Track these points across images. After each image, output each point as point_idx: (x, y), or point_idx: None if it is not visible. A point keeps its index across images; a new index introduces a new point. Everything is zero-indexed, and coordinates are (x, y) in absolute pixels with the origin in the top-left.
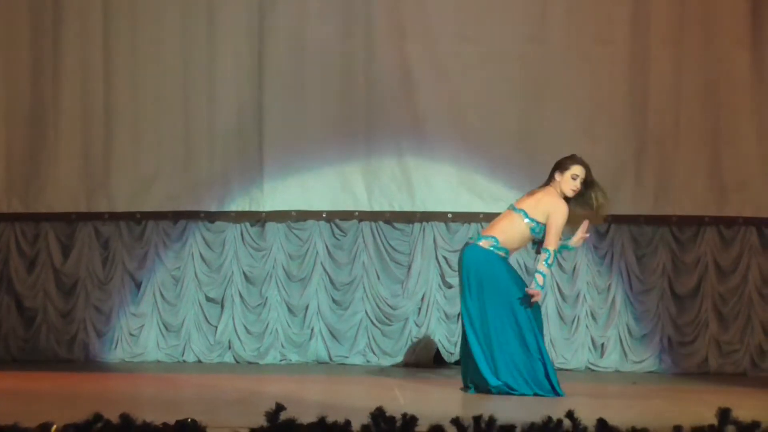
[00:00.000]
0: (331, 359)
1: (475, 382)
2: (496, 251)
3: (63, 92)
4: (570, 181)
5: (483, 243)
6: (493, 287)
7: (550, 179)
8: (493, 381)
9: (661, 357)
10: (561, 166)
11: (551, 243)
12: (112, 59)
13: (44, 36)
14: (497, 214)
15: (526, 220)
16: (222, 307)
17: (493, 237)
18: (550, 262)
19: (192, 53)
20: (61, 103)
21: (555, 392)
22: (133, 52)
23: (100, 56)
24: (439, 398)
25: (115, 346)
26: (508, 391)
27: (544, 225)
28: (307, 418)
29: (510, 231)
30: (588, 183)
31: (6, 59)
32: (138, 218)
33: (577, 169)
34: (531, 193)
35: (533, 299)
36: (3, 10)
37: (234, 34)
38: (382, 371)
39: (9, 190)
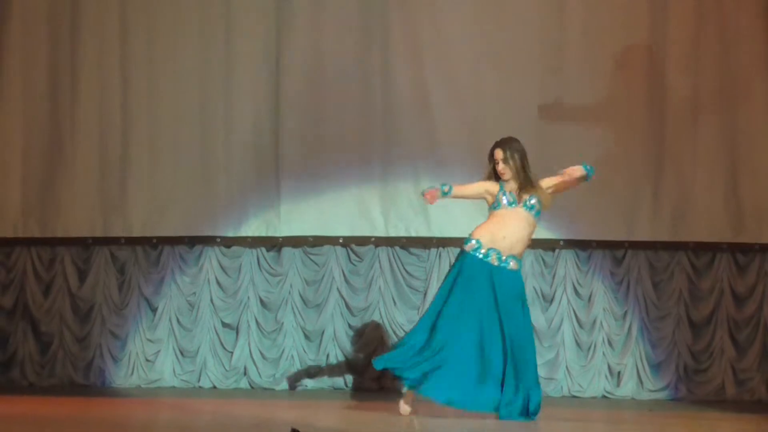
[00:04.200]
0: (346, 385)
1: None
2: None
3: (80, 118)
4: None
5: (513, 265)
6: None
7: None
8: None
9: (677, 384)
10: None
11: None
12: (128, 83)
13: (62, 61)
14: None
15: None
16: (238, 332)
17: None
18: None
19: (208, 79)
20: (78, 129)
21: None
22: (150, 78)
23: (117, 81)
24: (456, 426)
25: (131, 372)
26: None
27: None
28: None
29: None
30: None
31: (24, 84)
32: (154, 243)
33: (496, 155)
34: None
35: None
36: (21, 34)
37: (251, 59)
38: (398, 398)
39: (25, 214)
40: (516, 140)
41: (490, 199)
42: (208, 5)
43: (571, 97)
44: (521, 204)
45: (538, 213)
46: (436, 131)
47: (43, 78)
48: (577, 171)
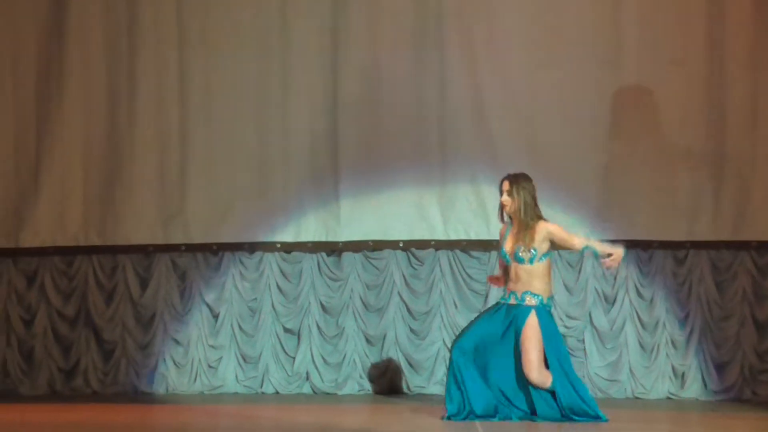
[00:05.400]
0: (409, 389)
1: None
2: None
3: (138, 125)
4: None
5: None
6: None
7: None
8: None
9: (742, 385)
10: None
11: (578, 242)
12: (186, 91)
13: (119, 70)
14: None
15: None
16: (299, 337)
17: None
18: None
19: (266, 84)
20: (137, 137)
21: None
22: (207, 85)
23: (175, 89)
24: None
25: (194, 379)
26: None
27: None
28: None
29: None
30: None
31: (83, 94)
32: (214, 249)
33: (503, 186)
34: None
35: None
36: (79, 47)
37: (307, 66)
38: None
39: (86, 224)
40: (527, 178)
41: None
42: (264, 17)
43: (628, 96)
44: (513, 257)
45: (533, 259)
46: (493, 134)
47: (101, 88)
48: (616, 261)
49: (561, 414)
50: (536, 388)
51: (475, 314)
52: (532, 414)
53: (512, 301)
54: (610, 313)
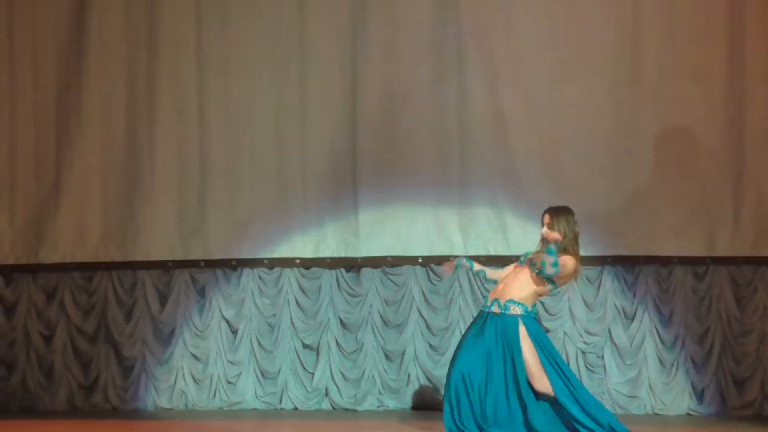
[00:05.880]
0: (427, 406)
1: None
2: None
3: (158, 140)
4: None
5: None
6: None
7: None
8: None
9: (762, 402)
10: None
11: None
12: (206, 106)
13: (139, 84)
14: (593, 257)
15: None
16: (318, 353)
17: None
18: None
19: (285, 100)
20: (157, 151)
21: None
22: (227, 99)
23: (194, 104)
24: None
25: (213, 395)
26: None
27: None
28: None
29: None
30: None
31: (103, 108)
32: (233, 265)
33: (544, 219)
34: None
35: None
36: (99, 61)
37: (326, 81)
38: None
39: (106, 238)
40: (569, 212)
41: None
42: (282, 30)
43: (648, 112)
44: (528, 262)
45: (541, 272)
46: (513, 150)
47: (121, 102)
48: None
49: (565, 426)
50: (542, 397)
51: None
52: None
53: (495, 309)
54: (630, 329)
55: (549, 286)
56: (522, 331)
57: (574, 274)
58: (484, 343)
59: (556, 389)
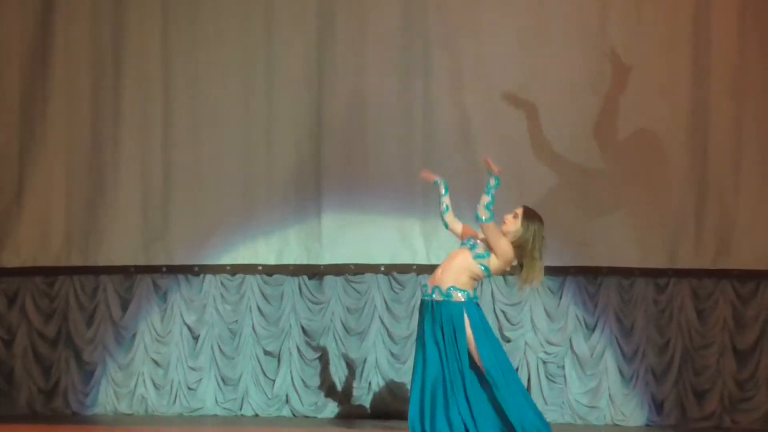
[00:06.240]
0: (389, 413)
1: None
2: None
3: (122, 145)
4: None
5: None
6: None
7: None
8: None
9: (721, 414)
10: None
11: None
12: (171, 112)
13: (104, 90)
14: (555, 267)
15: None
16: (279, 360)
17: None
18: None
19: (250, 107)
20: (121, 156)
21: None
22: (193, 106)
23: (160, 110)
24: None
25: (174, 401)
26: None
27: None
28: None
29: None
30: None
31: (67, 113)
32: (196, 271)
33: (517, 210)
34: None
35: None
36: (65, 63)
37: (292, 89)
38: None
39: (68, 243)
40: (541, 221)
41: None
42: (249, 35)
43: (612, 123)
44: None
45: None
46: (477, 159)
47: (86, 107)
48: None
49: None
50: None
51: None
52: None
53: (437, 296)
54: (591, 340)
55: (483, 271)
56: (466, 319)
57: (508, 264)
58: (434, 336)
59: (495, 376)
